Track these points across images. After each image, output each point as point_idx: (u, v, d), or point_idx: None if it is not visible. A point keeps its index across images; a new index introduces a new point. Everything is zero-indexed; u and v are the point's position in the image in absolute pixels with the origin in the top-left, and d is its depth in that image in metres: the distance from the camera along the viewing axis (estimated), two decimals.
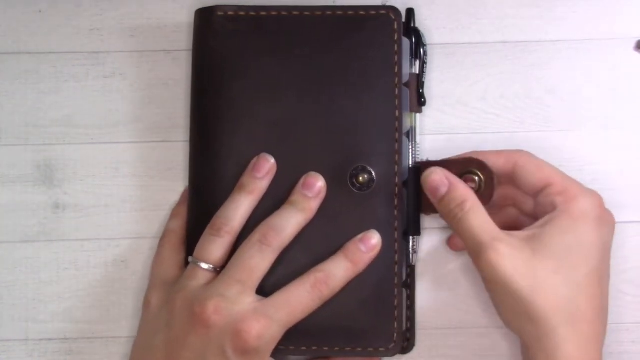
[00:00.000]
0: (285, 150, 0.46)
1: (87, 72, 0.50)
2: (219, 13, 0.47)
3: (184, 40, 0.50)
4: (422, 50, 0.49)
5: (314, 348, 0.46)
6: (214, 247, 0.45)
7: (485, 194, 0.45)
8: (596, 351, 0.43)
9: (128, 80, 0.50)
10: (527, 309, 0.42)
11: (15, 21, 0.51)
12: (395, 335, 0.46)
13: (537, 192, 0.45)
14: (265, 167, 0.46)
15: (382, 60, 0.47)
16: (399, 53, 0.47)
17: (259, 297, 0.44)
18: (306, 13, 0.47)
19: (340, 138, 0.46)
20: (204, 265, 0.45)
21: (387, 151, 0.46)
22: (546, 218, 0.44)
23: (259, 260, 0.44)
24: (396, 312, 0.46)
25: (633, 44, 0.51)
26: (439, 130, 0.50)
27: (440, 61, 0.50)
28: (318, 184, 0.46)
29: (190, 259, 0.45)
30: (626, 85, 0.50)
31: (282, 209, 0.45)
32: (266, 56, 0.47)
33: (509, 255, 0.42)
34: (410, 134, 0.48)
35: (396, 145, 0.46)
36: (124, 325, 0.49)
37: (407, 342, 0.48)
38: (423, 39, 0.49)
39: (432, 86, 0.50)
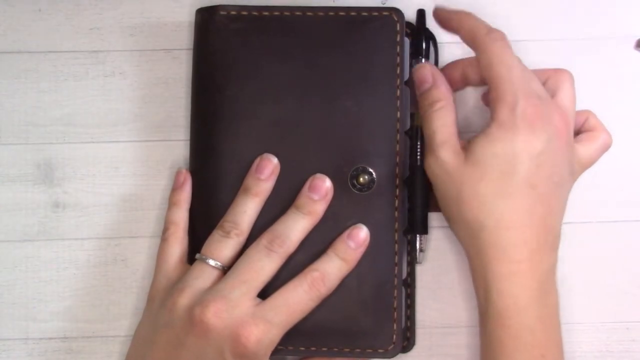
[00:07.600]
0: (285, 150, 0.46)
1: (86, 71, 0.50)
2: (222, 12, 0.47)
3: (184, 39, 0.50)
4: (434, 51, 0.48)
5: (312, 348, 0.46)
6: (223, 246, 0.45)
7: None
8: (529, 260, 0.42)
9: (128, 79, 0.50)
10: (455, 214, 0.43)
11: (14, 20, 0.50)
12: (395, 336, 0.46)
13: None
14: (269, 168, 0.46)
15: (384, 61, 0.47)
16: (401, 54, 0.47)
17: (258, 300, 0.44)
18: (308, 13, 0.47)
19: (341, 138, 0.46)
20: (212, 262, 0.44)
21: (387, 152, 0.46)
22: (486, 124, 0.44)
23: (265, 264, 0.44)
24: (396, 314, 0.46)
25: (633, 42, 0.51)
26: None
27: (440, 60, 0.50)
28: (325, 186, 0.45)
29: (197, 255, 0.45)
30: (626, 84, 0.50)
31: (288, 213, 0.45)
32: (268, 56, 0.47)
33: (446, 161, 0.43)
34: (417, 133, 0.48)
35: (397, 146, 0.46)
36: (123, 324, 0.49)
37: (407, 341, 0.48)
38: (435, 40, 0.48)
39: None
